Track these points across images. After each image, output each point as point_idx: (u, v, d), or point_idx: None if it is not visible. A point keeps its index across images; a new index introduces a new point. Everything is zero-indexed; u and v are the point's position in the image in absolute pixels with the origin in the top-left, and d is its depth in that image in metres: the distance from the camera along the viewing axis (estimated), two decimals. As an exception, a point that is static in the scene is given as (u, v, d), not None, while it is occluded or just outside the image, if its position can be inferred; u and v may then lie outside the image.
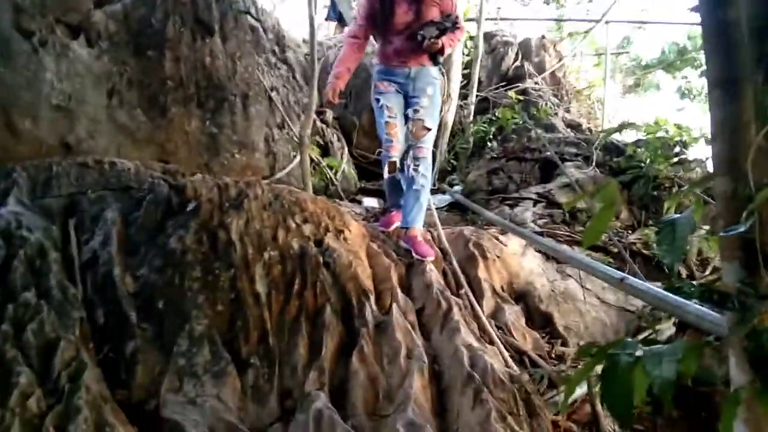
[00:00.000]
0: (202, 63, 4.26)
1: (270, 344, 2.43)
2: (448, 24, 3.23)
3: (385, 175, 3.45)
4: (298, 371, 2.39)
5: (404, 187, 3.41)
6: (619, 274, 1.95)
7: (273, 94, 5.47)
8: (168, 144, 3.95)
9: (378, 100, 3.41)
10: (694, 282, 1.46)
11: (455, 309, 2.83)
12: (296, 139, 4.84)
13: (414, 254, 3.24)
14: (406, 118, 3.42)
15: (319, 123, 6.08)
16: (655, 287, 1.73)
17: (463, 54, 7.16)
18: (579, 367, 2.26)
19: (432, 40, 3.20)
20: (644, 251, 3.80)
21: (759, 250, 1.05)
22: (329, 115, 6.33)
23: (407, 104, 3.43)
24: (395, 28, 3.28)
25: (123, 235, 2.74)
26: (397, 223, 3.59)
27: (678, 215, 1.09)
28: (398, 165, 3.37)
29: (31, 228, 2.49)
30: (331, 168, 5.44)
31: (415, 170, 3.30)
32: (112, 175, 3.15)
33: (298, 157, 4.54)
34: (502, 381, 2.35)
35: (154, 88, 4.01)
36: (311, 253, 2.77)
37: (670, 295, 1.61)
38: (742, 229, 1.01)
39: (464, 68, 7.09)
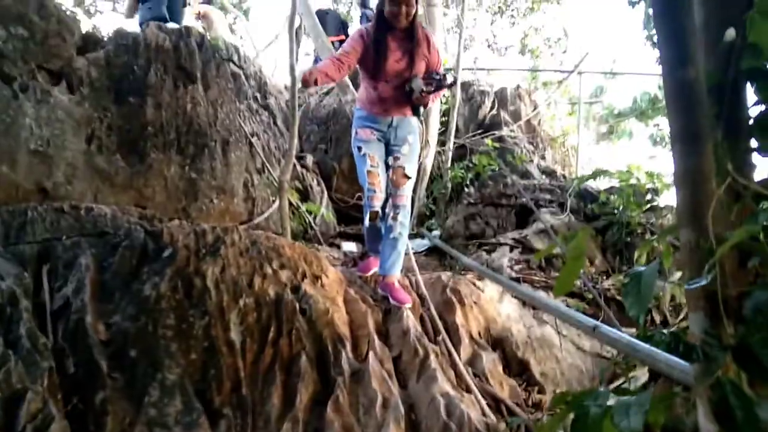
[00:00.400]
0: (184, 109, 4.30)
1: (243, 394, 2.39)
2: (438, 78, 3.27)
3: (366, 222, 3.45)
4: (271, 422, 2.35)
5: (383, 235, 3.42)
6: (592, 322, 1.97)
7: (254, 139, 5.52)
8: (146, 189, 3.94)
9: (360, 149, 3.42)
10: (665, 330, 1.48)
11: (432, 356, 2.82)
12: (276, 184, 4.86)
13: (391, 300, 3.24)
14: (387, 165, 3.44)
15: (299, 167, 6.13)
16: (627, 335, 1.75)
17: (441, 102, 7.32)
18: (553, 415, 2.26)
19: (423, 94, 3.26)
20: (618, 297, 3.85)
21: (720, 302, 1.08)
22: (309, 159, 6.38)
23: (388, 152, 3.47)
24: (385, 74, 3.30)
25: (97, 282, 2.70)
26: (375, 269, 3.63)
27: (644, 267, 1.12)
28: (379, 213, 3.38)
29: (3, 275, 2.45)
30: (310, 213, 5.45)
31: (394, 219, 3.33)
32: (88, 220, 3.13)
33: (277, 202, 4.56)
34: (478, 431, 2.33)
35: (134, 134, 4.03)
36: (287, 299, 2.75)
37: (641, 343, 1.63)
38: (703, 282, 1.04)
39: (442, 116, 7.25)
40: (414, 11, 3.16)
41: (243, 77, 5.54)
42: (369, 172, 3.34)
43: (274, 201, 4.90)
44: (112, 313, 2.57)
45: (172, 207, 3.99)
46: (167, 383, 2.31)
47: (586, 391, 1.17)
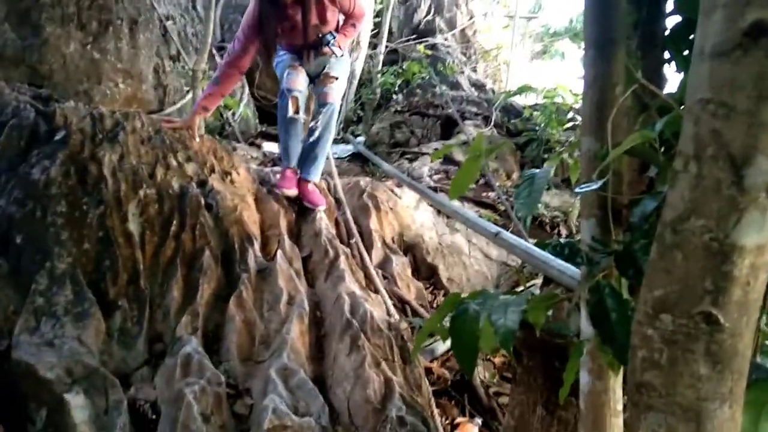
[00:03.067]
0: (85, -21, 3.85)
1: (141, 286, 2.30)
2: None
3: (289, 113, 3.01)
4: (170, 315, 2.29)
5: (305, 136, 3.21)
6: (494, 228, 1.99)
7: (168, 23, 5.08)
8: (41, 67, 3.57)
9: (280, 58, 3.18)
10: (571, 240, 1.51)
11: (342, 258, 2.81)
12: (190, 74, 4.54)
13: (305, 203, 3.17)
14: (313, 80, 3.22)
15: (217, 58, 5.76)
16: (525, 243, 1.78)
17: (375, 2, 6.99)
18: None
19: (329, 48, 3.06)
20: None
21: (609, 208, 1.08)
22: (231, 51, 6.00)
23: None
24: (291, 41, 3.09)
25: (-22, 163, 2.46)
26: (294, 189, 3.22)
27: (537, 170, 1.10)
28: (299, 102, 3.04)
29: None
30: (227, 108, 5.18)
31: (317, 118, 3.09)
32: (-31, 95, 2.80)
33: (191, 93, 4.28)
34: (380, 328, 2.37)
35: (27, 3, 3.58)
36: (192, 193, 2.62)
37: (537, 250, 1.66)
38: (593, 187, 1.03)
39: (375, 16, 6.94)
40: None
41: (159, -49, 5.00)
42: (291, 65, 3.10)
43: (188, 92, 4.60)
44: (-5, 196, 2.36)
45: (72, 88, 3.65)
46: (57, 272, 2.18)
47: (476, 293, 1.17)
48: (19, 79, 3.42)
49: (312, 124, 3.13)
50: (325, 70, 3.12)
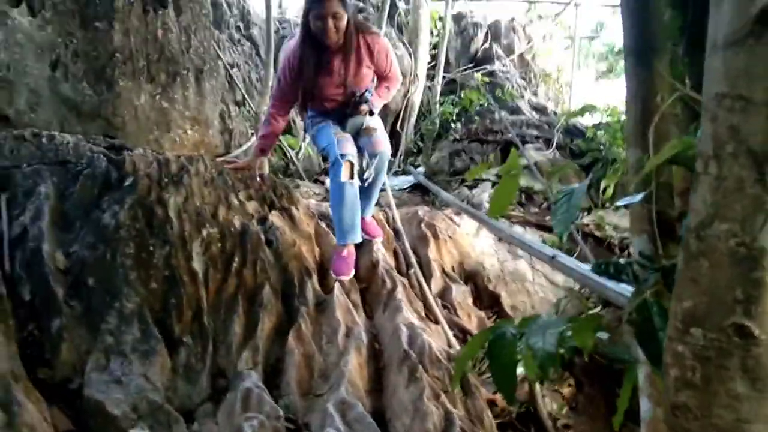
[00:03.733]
0: (154, 35, 4.12)
1: (204, 323, 2.37)
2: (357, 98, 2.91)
3: (343, 177, 2.75)
4: (232, 350, 2.34)
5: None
6: (551, 251, 1.93)
7: (233, 70, 5.35)
8: (115, 119, 3.82)
9: (316, 126, 3.04)
10: (619, 260, 1.43)
11: (400, 288, 2.79)
12: (254, 117, 4.74)
13: (363, 235, 3.19)
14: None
15: (281, 101, 5.97)
16: (582, 266, 1.71)
17: (432, 34, 7.08)
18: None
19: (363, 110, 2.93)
20: (596, 233, 3.81)
21: (654, 222, 1.02)
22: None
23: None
24: (326, 96, 2.95)
25: (56, 211, 2.64)
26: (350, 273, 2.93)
27: (577, 186, 1.06)
28: (354, 165, 2.83)
29: (-45, 201, 2.38)
30: (291, 147, 5.35)
31: (370, 168, 2.92)
32: (50, 148, 3.03)
33: (255, 136, 4.45)
34: (438, 359, 2.33)
35: (102, 61, 3.87)
36: (253, 230, 2.70)
37: (592, 273, 1.58)
38: (636, 200, 0.97)
39: (432, 48, 7.02)
40: (345, 22, 2.68)
41: (225, 5, 5.31)
42: (335, 132, 2.92)
43: (252, 134, 4.79)
44: (71, 242, 2.51)
45: (143, 137, 3.88)
46: (125, 311, 2.28)
47: (529, 317, 1.13)
48: (95, 132, 3.66)
49: (366, 174, 2.93)
50: (363, 126, 2.97)
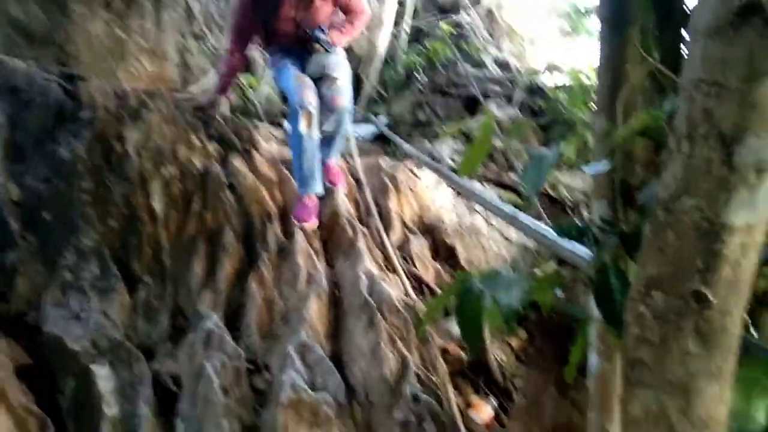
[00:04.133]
0: (111, -41, 3.89)
1: (164, 262, 2.37)
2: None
3: (301, 129, 2.65)
4: (192, 291, 2.36)
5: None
6: (511, 209, 1.99)
7: (193, 2, 5.11)
8: (68, 46, 3.63)
9: (278, 68, 2.89)
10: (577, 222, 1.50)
11: (361, 237, 2.83)
12: (214, 52, 4.59)
13: (324, 182, 3.19)
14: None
15: (242, 39, 5.78)
16: (541, 226, 1.78)
17: (400, -20, 6.91)
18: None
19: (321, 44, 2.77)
20: (551, 193, 3.93)
21: (617, 189, 1.08)
22: (255, 31, 6.01)
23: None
24: (282, 33, 2.81)
25: (8, 140, 2.54)
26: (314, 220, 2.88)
27: (546, 149, 1.10)
28: (313, 114, 2.68)
29: None
30: (251, 87, 5.21)
31: (330, 125, 2.84)
32: (0, 75, 2.88)
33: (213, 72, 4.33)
34: (397, 308, 2.40)
35: (53, -18, 3.64)
36: (214, 172, 2.67)
37: (550, 232, 1.66)
38: (601, 167, 1.03)
39: (400, -7, 6.86)
40: None
41: (183, -70, 5.00)
42: (296, 75, 2.75)
43: (211, 71, 4.64)
44: (24, 174, 2.43)
45: (97, 67, 3.71)
46: (83, 248, 2.25)
47: (486, 272, 1.18)
48: (47, 59, 3.48)
49: (324, 130, 2.85)
50: (325, 71, 2.81)
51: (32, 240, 2.26)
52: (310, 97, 2.67)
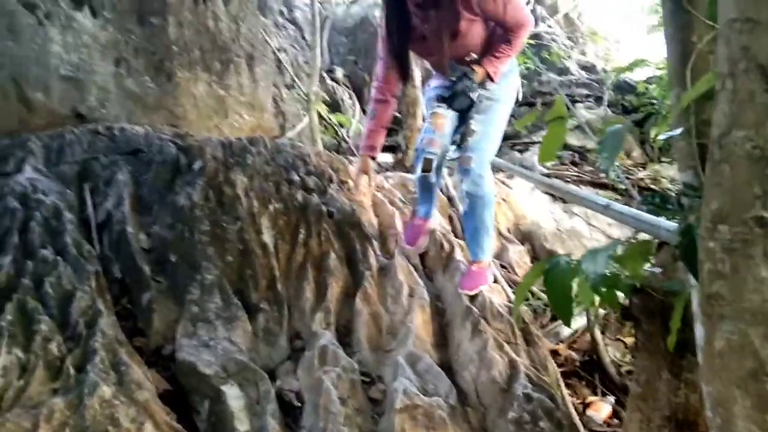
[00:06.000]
0: (205, 26, 4.32)
1: (278, 290, 2.55)
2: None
3: (417, 172, 2.59)
4: (306, 314, 2.51)
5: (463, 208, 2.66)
6: (603, 201, 1.99)
7: (281, 54, 5.51)
8: (177, 109, 4.05)
9: (428, 98, 2.64)
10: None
11: (458, 250, 2.89)
12: (305, 98, 4.90)
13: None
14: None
15: (329, 81, 6.12)
16: (635, 210, 1.77)
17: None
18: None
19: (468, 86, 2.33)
20: (653, 186, 3.79)
21: (696, 154, 1.08)
22: (339, 72, 6.35)
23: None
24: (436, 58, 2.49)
25: (134, 196, 2.87)
26: (424, 240, 2.90)
27: (620, 125, 1.13)
28: (434, 163, 2.51)
29: (47, 192, 2.63)
30: (342, 126, 5.48)
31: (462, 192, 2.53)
32: (122, 139, 3.27)
33: (308, 116, 4.62)
34: (500, 313, 2.43)
35: (160, 55, 4.09)
36: (314, 203, 2.86)
37: (647, 215, 1.65)
38: (676, 132, 1.04)
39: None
40: None
41: (266, -9, 5.45)
42: (432, 113, 2.51)
43: (304, 116, 4.95)
44: (150, 224, 2.74)
45: (204, 125, 4.10)
46: (206, 283, 2.48)
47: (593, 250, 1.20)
48: (159, 122, 3.90)
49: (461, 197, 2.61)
50: (469, 118, 2.42)
51: (162, 280, 2.53)
52: (434, 145, 2.47)
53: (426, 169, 2.51)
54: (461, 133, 2.48)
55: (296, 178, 3.00)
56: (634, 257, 1.08)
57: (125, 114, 3.82)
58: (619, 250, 1.17)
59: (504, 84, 2.46)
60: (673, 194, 1.20)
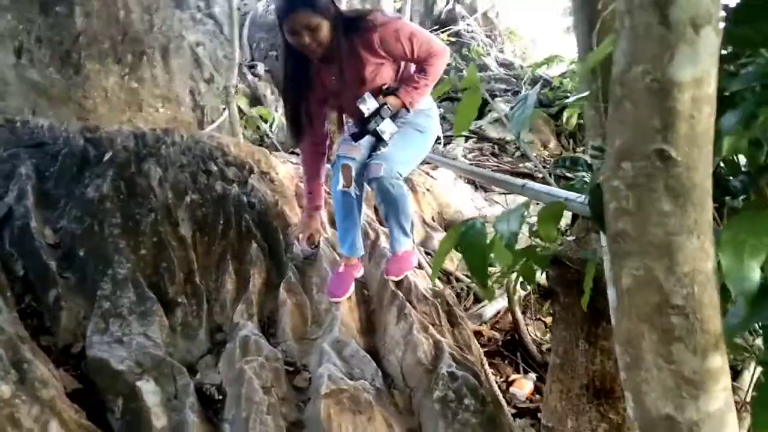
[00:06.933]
0: (116, 17, 4.11)
1: (197, 283, 2.45)
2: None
3: (339, 184, 2.33)
4: (227, 307, 2.43)
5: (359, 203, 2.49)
6: (520, 181, 2.03)
7: (199, 48, 5.33)
8: (86, 101, 3.84)
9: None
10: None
11: (383, 238, 2.89)
12: (224, 92, 4.77)
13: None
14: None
15: (250, 77, 5.99)
16: (550, 188, 1.82)
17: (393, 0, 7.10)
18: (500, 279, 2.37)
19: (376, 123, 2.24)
20: (568, 174, 3.94)
21: (604, 117, 1.12)
22: (260, 68, 6.22)
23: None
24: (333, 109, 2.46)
25: (39, 190, 2.68)
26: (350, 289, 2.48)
27: (530, 91, 1.15)
28: (353, 174, 2.34)
29: (-64, 186, 2.41)
30: (264, 120, 5.38)
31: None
32: (25, 132, 3.06)
33: (227, 111, 4.49)
34: (425, 297, 2.44)
35: (66, 46, 3.86)
36: (234, 193, 2.77)
37: (562, 191, 1.69)
38: (579, 95, 1.07)
39: (397, 11, 7.03)
40: (326, 31, 2.10)
41: (182, -17, 5.26)
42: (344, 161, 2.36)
43: (224, 110, 4.82)
44: (57, 218, 2.57)
45: (116, 118, 3.91)
46: (119, 278, 2.34)
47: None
48: (68, 115, 3.68)
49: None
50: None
51: (70, 276, 2.37)
52: (353, 151, 2.35)
53: (347, 181, 2.32)
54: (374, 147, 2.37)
55: (214, 168, 2.90)
56: (547, 219, 1.10)
57: (29, 106, 3.58)
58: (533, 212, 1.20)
59: (423, 117, 2.43)
60: (581, 156, 1.23)
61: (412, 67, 2.33)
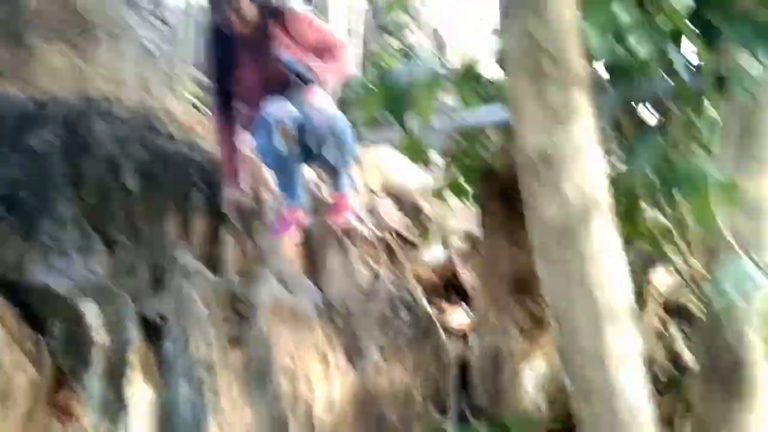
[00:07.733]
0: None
1: (139, 227, 2.48)
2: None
3: (278, 146, 2.26)
4: (168, 249, 2.46)
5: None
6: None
7: (149, 43, 5.34)
8: (32, 78, 3.81)
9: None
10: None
11: (323, 187, 2.96)
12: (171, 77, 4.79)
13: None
14: None
15: (200, 75, 6.02)
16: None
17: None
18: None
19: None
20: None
21: None
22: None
23: None
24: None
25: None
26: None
27: None
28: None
29: None
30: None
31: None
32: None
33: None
34: (366, 239, 2.54)
35: (13, 23, 3.85)
36: (178, 150, 2.83)
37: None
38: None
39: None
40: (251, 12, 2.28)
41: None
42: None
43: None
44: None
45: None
46: (63, 219, 2.36)
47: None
48: (12, 90, 3.65)
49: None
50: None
51: (11, 219, 2.36)
52: (282, 111, 2.30)
53: (286, 139, 2.24)
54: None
55: (160, 126, 2.95)
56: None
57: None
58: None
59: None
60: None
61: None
